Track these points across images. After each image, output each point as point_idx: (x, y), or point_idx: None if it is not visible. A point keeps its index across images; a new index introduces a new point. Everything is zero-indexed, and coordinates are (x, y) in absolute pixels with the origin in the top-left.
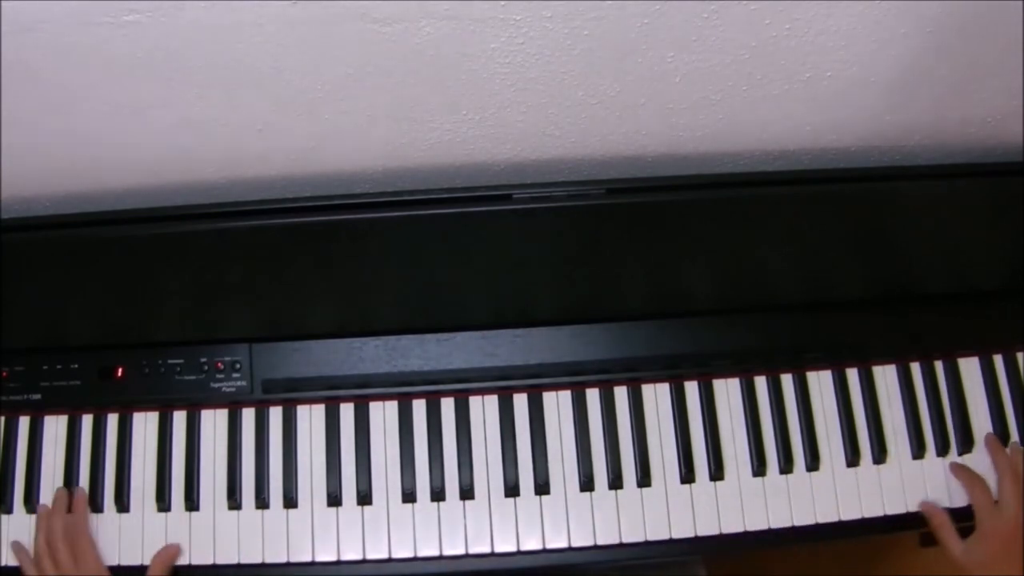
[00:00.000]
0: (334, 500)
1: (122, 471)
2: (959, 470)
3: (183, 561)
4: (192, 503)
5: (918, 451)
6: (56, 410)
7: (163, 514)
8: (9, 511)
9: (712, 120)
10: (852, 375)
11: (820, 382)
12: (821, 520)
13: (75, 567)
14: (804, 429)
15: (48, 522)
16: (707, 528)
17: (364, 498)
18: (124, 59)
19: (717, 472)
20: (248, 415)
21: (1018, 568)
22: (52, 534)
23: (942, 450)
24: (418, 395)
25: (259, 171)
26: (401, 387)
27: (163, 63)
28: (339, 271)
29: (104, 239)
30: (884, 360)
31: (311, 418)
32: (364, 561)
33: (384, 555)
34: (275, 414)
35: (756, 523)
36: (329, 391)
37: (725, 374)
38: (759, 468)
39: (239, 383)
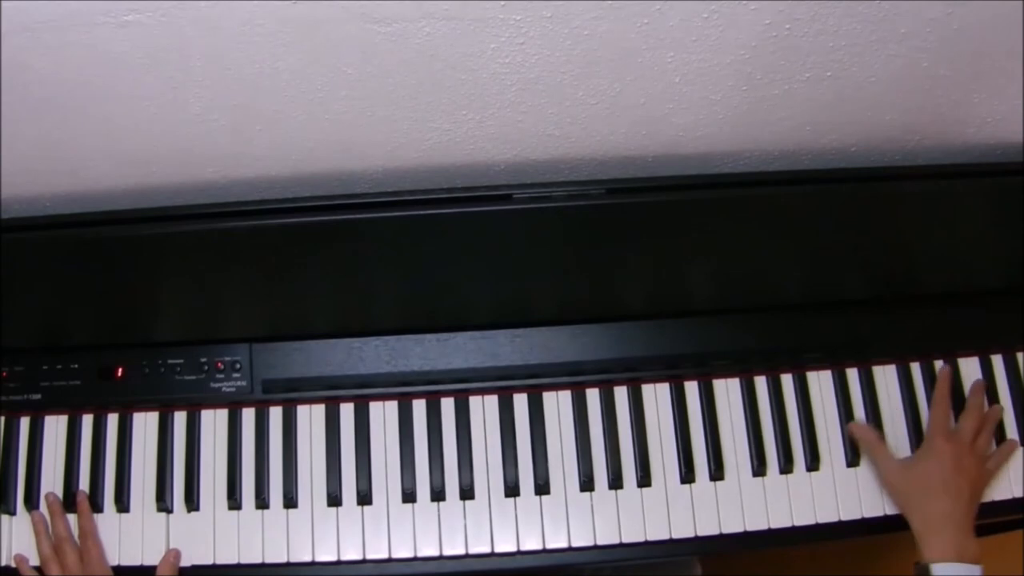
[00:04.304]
0: (334, 500)
1: (122, 471)
2: (941, 385)
3: (183, 562)
4: (192, 503)
5: None
6: (56, 410)
7: (163, 514)
8: (11, 511)
9: (712, 120)
10: (852, 375)
11: (820, 382)
12: (821, 520)
13: (81, 570)
14: (804, 429)
15: (53, 528)
16: (707, 528)
17: (364, 498)
18: (124, 59)
19: (717, 472)
20: (248, 415)
21: (961, 491)
22: (59, 539)
23: None
24: (418, 395)
25: (259, 171)
26: (401, 387)
27: (163, 63)
28: (339, 271)
29: (104, 239)
30: (884, 360)
31: (311, 418)
32: (364, 561)
33: (384, 555)
34: (275, 414)
35: (756, 523)
36: (329, 391)
37: (725, 374)
38: (759, 468)
39: (239, 383)
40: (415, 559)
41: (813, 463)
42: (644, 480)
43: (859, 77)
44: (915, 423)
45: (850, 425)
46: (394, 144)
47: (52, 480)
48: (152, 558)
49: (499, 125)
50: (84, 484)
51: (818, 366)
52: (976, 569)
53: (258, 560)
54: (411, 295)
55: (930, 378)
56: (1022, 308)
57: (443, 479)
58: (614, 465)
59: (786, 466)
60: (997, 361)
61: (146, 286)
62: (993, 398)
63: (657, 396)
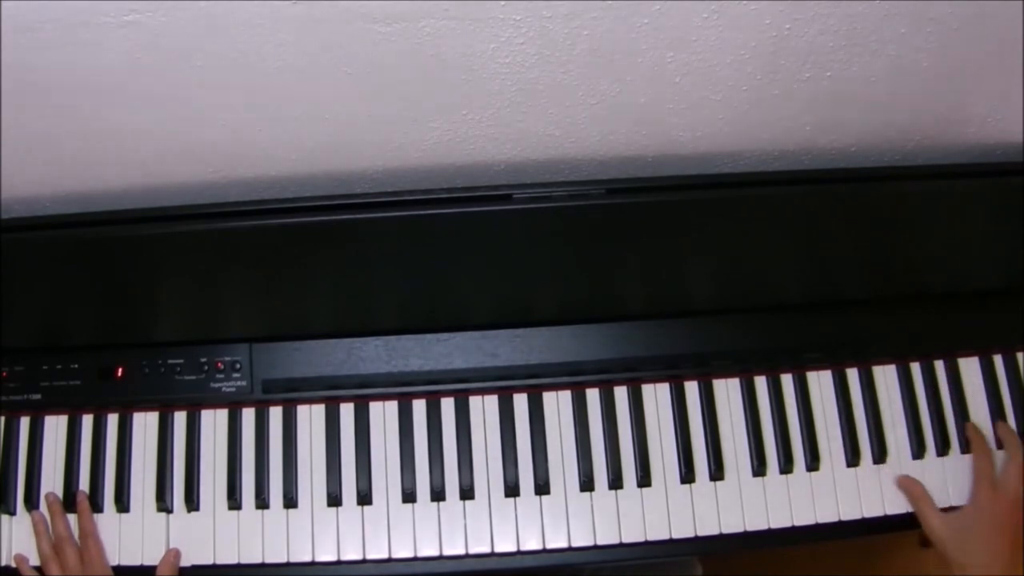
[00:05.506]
0: (334, 500)
1: (122, 471)
2: (975, 436)
3: (183, 562)
4: (192, 503)
5: (918, 451)
6: (56, 410)
7: (163, 514)
8: (11, 511)
9: (712, 120)
10: (852, 375)
11: (820, 382)
12: (821, 520)
13: (82, 569)
14: (804, 429)
15: (54, 528)
16: (707, 528)
17: (364, 498)
18: (125, 59)
19: (717, 472)
20: (248, 415)
21: (1002, 550)
22: (59, 539)
23: (942, 450)
24: (418, 395)
25: (259, 171)
26: (401, 387)
27: (163, 63)
28: (339, 271)
29: (104, 239)
30: (884, 360)
31: (311, 418)
32: (364, 561)
33: (384, 555)
34: (275, 414)
35: (756, 523)
36: (329, 391)
37: (725, 374)
38: (759, 468)
39: (239, 383)
40: (415, 559)
41: (813, 463)
42: (644, 480)
43: (859, 77)
44: (915, 423)
45: (899, 478)
46: (394, 144)
47: (52, 480)
48: (152, 558)
49: (499, 125)
50: (84, 484)
51: (818, 366)
52: None
53: (258, 560)
54: (411, 295)
55: (930, 378)
56: (1022, 308)
57: (443, 479)
58: (614, 465)
59: (786, 466)
60: (997, 361)
61: (146, 286)
62: (993, 398)
63: (657, 396)
